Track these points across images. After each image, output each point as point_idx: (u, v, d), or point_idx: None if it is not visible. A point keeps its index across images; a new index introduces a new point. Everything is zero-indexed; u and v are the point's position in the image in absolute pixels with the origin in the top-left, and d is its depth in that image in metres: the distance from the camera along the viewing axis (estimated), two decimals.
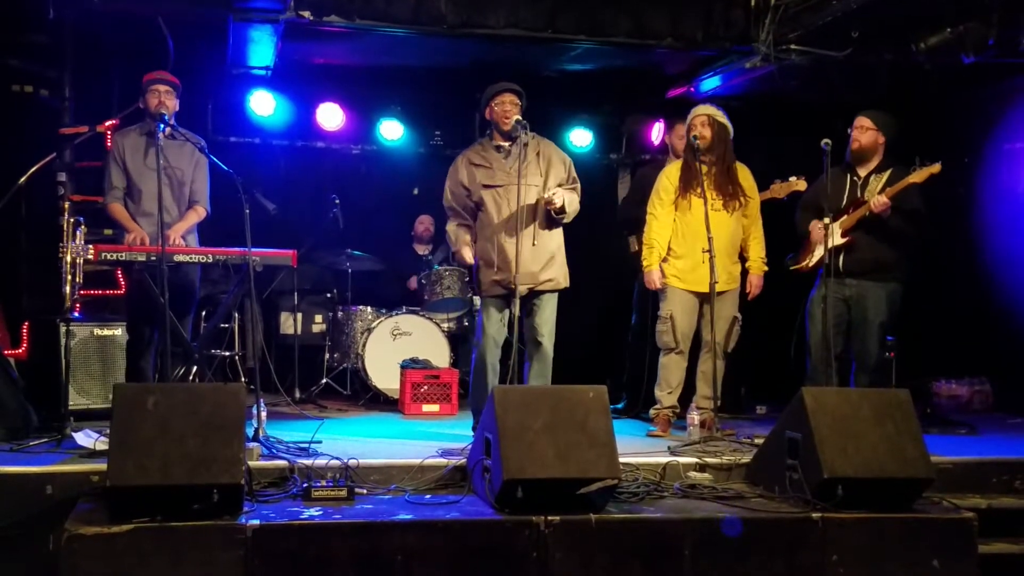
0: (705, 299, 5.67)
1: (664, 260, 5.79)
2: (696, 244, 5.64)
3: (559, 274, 5.44)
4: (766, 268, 5.83)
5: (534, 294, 5.34)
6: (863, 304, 5.81)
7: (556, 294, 5.44)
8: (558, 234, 5.49)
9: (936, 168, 5.61)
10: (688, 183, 5.71)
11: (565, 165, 5.50)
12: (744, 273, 5.83)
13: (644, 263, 5.82)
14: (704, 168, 5.64)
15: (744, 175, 5.81)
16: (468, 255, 5.45)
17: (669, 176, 5.82)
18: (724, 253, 5.60)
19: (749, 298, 5.79)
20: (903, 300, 5.88)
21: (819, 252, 5.82)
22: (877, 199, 5.65)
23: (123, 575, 3.60)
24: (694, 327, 5.74)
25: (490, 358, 5.39)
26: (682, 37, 6.59)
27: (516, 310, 5.12)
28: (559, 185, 5.42)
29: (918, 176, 5.64)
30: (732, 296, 5.72)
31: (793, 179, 6.29)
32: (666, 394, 5.76)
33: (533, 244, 5.30)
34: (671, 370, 5.75)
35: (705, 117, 5.72)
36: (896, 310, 5.84)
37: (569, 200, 5.37)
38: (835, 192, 5.84)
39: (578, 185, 5.55)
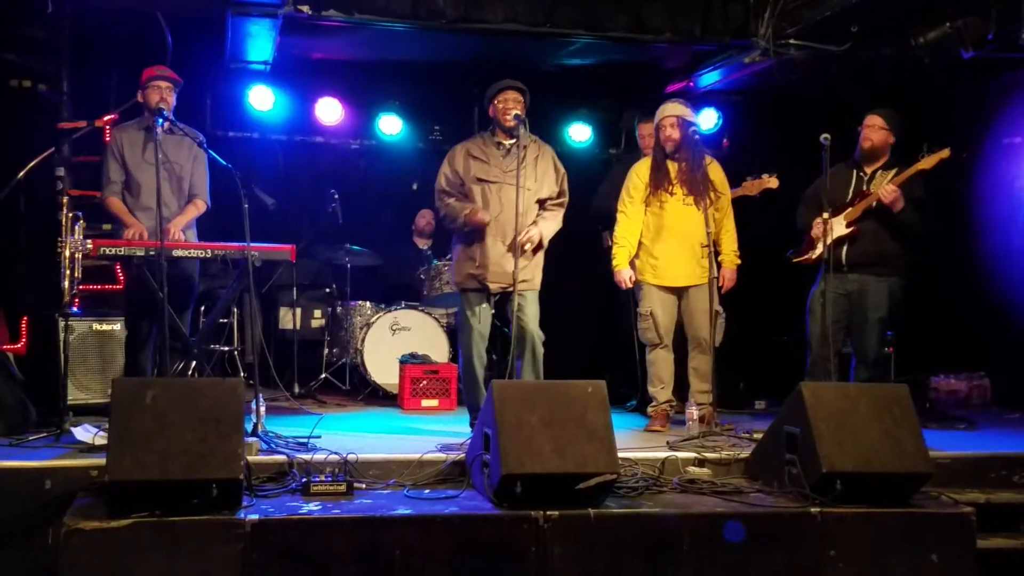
0: (680, 294, 5.70)
1: (637, 257, 5.78)
2: (670, 240, 5.65)
3: (533, 275, 5.42)
4: (739, 261, 5.79)
5: (510, 293, 5.30)
6: (864, 299, 5.80)
7: (536, 292, 5.44)
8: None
9: (945, 153, 5.60)
10: (658, 181, 5.71)
11: (558, 178, 5.50)
12: (718, 266, 5.79)
13: (613, 262, 5.80)
14: (674, 166, 5.65)
15: (714, 171, 5.79)
16: (482, 214, 5.31)
17: (639, 173, 5.81)
18: (693, 248, 5.58)
19: (723, 291, 5.73)
20: (903, 294, 5.88)
21: (823, 246, 5.78)
22: (887, 188, 5.62)
23: (122, 570, 3.60)
24: (675, 320, 5.75)
25: (476, 351, 5.40)
26: (681, 31, 6.59)
27: (515, 307, 5.12)
28: (548, 199, 5.44)
29: (927, 162, 5.63)
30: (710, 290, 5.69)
31: (765, 176, 6.28)
32: (659, 389, 5.77)
33: (516, 243, 5.27)
34: (660, 365, 5.76)
35: (673, 119, 5.69)
36: (897, 305, 5.84)
37: (549, 230, 5.40)
38: (841, 187, 5.83)
39: (565, 200, 5.54)
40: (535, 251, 5.39)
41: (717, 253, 5.78)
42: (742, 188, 6.23)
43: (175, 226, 5.49)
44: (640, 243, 5.78)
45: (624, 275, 5.75)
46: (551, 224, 5.45)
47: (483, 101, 5.53)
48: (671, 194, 5.66)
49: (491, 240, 5.33)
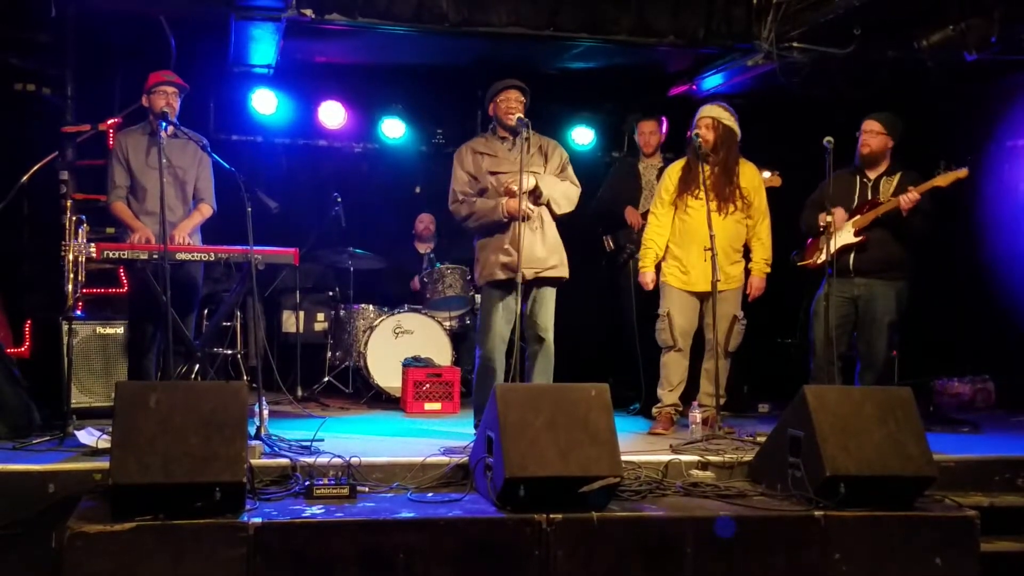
0: (704, 298, 5.67)
1: (663, 260, 5.78)
2: (693, 244, 5.64)
3: (562, 263, 5.42)
4: (768, 270, 5.78)
5: (538, 282, 5.30)
6: (873, 303, 5.78)
7: (555, 289, 5.44)
8: (556, 227, 5.47)
9: (963, 173, 5.56)
10: (687, 184, 5.70)
11: (560, 160, 5.49)
12: (747, 272, 5.79)
13: (640, 264, 5.82)
14: (707, 168, 5.63)
15: (749, 175, 5.76)
16: (513, 205, 5.16)
17: (670, 176, 5.81)
18: (721, 253, 5.56)
19: (750, 299, 5.76)
20: (909, 297, 5.87)
21: (827, 251, 5.74)
22: (909, 196, 5.58)
23: (125, 573, 3.60)
24: (694, 325, 5.74)
25: (497, 355, 5.35)
26: (684, 35, 6.59)
27: (518, 308, 5.12)
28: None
29: (943, 180, 5.60)
30: (732, 295, 5.68)
31: (767, 175, 6.27)
32: (667, 392, 5.76)
33: (542, 231, 5.27)
34: (671, 368, 5.74)
35: (710, 120, 5.68)
36: (904, 308, 5.83)
37: (549, 184, 5.30)
38: (845, 194, 5.81)
39: (569, 175, 5.50)
40: (538, 200, 5.30)
41: (747, 259, 5.77)
42: None
43: (181, 231, 5.50)
44: (667, 246, 5.77)
45: (647, 277, 5.76)
46: (550, 180, 5.33)
47: (485, 102, 5.54)
48: (697, 198, 5.64)
49: (515, 228, 5.27)
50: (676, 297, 5.71)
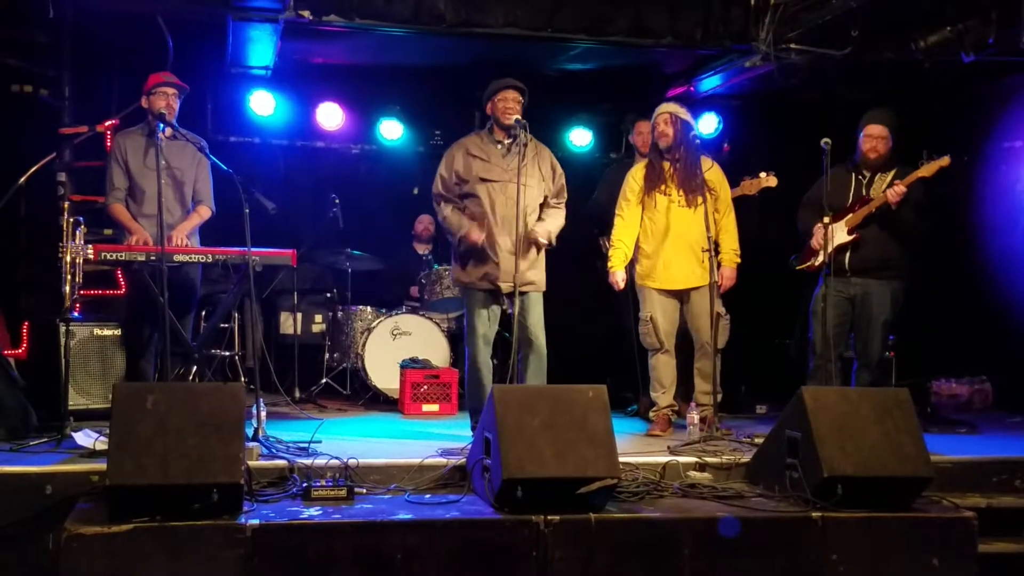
0: (682, 297, 5.68)
1: (637, 261, 5.78)
2: (667, 243, 5.66)
3: (540, 277, 5.46)
4: (738, 260, 5.77)
5: (519, 293, 5.32)
6: (868, 302, 5.79)
7: (540, 294, 5.46)
8: None
9: (945, 161, 5.61)
10: (653, 183, 5.71)
11: (555, 177, 5.53)
12: (718, 266, 5.77)
13: (608, 264, 5.81)
14: (667, 166, 5.64)
15: (712, 171, 5.77)
16: (477, 235, 5.33)
17: (635, 176, 5.82)
18: (692, 250, 5.57)
19: (721, 291, 5.71)
20: (905, 297, 5.88)
21: (824, 252, 5.76)
22: (895, 189, 5.61)
23: (122, 575, 3.60)
24: (676, 324, 5.74)
25: (482, 356, 5.41)
26: (681, 36, 6.59)
27: (516, 310, 5.12)
28: (544, 200, 5.47)
29: (927, 170, 5.64)
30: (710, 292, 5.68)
31: (763, 175, 6.27)
32: (661, 394, 5.76)
33: (520, 242, 5.28)
34: (661, 370, 5.75)
35: (668, 115, 5.71)
36: (899, 308, 5.84)
37: (556, 227, 5.45)
38: (841, 190, 5.82)
39: (564, 198, 5.59)
40: (541, 249, 5.42)
41: (718, 253, 5.77)
42: (740, 188, 6.23)
43: (179, 232, 5.50)
44: (639, 247, 5.78)
45: (617, 277, 5.76)
46: (556, 221, 5.50)
47: (483, 101, 5.54)
48: (666, 196, 5.66)
49: (500, 240, 5.33)
50: (656, 299, 5.72)
